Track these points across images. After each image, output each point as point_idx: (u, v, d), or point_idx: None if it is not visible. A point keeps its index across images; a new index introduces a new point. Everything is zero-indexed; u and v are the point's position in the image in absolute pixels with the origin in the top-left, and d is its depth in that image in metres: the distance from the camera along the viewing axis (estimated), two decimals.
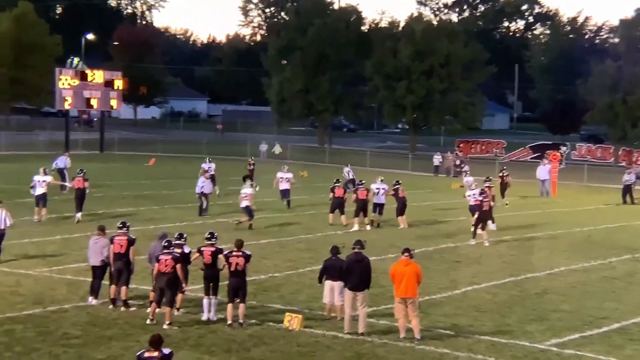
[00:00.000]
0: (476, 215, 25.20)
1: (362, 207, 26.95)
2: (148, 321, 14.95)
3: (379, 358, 13.69)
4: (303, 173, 42.37)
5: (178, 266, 14.95)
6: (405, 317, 14.68)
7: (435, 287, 18.71)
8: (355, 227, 26.51)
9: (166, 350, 10.84)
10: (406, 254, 14.96)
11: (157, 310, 15.15)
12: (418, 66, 64.67)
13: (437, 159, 51.22)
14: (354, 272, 15.05)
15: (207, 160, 36.79)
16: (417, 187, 39.61)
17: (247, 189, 26.82)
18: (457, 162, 49.66)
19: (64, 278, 18.46)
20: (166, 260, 14.96)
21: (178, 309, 15.69)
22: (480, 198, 25.37)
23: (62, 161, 35.87)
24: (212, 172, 33.77)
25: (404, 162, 52.79)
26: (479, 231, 25.10)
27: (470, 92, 68.46)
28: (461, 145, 63.44)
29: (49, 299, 16.55)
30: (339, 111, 74.20)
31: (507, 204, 34.18)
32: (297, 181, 33.62)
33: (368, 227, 26.91)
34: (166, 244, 15.36)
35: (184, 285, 15.37)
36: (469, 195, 27.30)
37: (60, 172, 35.10)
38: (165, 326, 14.69)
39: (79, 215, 26.64)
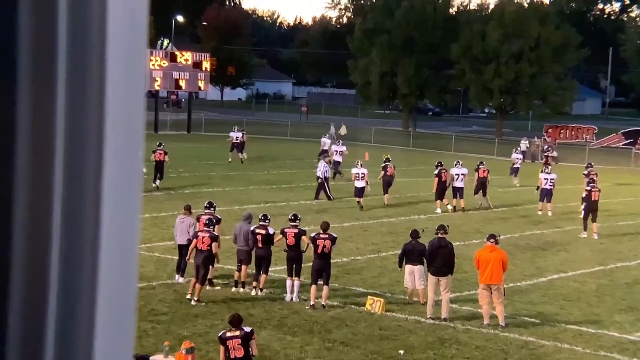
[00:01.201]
0: (584, 206, 24.17)
1: (387, 184, 27.97)
2: (191, 299, 15.15)
3: (462, 344, 13.56)
4: (386, 156, 42.20)
5: (214, 244, 15.14)
6: (490, 304, 14.49)
7: (520, 274, 18.40)
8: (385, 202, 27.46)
9: (247, 328, 11.03)
10: (492, 240, 14.78)
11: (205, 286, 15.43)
12: (507, 49, 63.43)
13: (524, 144, 50.21)
14: (437, 257, 14.95)
15: (235, 129, 40.36)
16: (503, 172, 38.93)
17: (362, 168, 27.12)
18: (545, 148, 48.58)
19: (153, 255, 18.90)
20: (203, 237, 15.16)
21: (262, 290, 15.90)
22: (589, 188, 24.30)
23: None
24: (239, 141, 38.79)
25: (490, 147, 51.94)
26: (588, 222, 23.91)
27: (560, 76, 66.81)
28: (549, 130, 61.99)
29: (138, 276, 16.96)
30: (425, 95, 73.50)
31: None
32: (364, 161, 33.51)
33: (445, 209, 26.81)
34: (207, 222, 15.56)
35: (217, 262, 15.67)
36: (545, 179, 26.91)
37: None
38: (193, 302, 14.91)
39: (157, 182, 28.49)
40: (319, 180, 28.54)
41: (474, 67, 64.95)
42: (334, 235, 15.44)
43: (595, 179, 25.44)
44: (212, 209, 16.79)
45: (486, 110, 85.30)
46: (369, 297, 15.46)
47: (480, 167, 28.18)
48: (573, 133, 63.26)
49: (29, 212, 0.94)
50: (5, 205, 0.93)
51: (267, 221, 16.02)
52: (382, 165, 28.86)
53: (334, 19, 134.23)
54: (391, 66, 68.72)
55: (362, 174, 27.09)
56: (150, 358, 11.25)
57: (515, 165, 36.59)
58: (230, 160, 38.61)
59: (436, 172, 27.61)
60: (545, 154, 46.91)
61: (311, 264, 15.46)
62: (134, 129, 1.00)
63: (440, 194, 27.12)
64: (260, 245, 15.77)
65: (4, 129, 0.93)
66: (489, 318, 14.48)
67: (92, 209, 0.96)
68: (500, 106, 67.63)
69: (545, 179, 27.15)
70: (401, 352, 12.98)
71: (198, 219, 16.50)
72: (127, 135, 0.99)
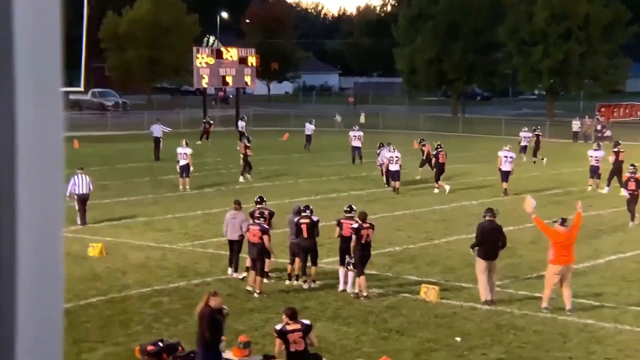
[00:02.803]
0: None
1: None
2: (253, 292, 15.26)
3: (519, 329, 13.42)
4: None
5: (265, 237, 15.16)
6: (553, 290, 14.22)
7: (577, 256, 17.99)
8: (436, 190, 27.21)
9: (306, 321, 11.09)
10: (564, 223, 14.55)
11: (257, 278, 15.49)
12: (555, 29, 62.38)
13: (576, 125, 49.43)
14: (489, 240, 14.81)
15: (244, 118, 46.12)
16: (554, 154, 38.43)
17: (396, 152, 27.56)
18: (598, 128, 47.77)
19: (206, 252, 19.08)
20: (254, 230, 15.21)
21: (314, 281, 15.93)
22: (628, 174, 22.90)
23: (157, 130, 37.63)
24: (242, 130, 43.19)
25: (541, 129, 51.19)
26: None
27: (611, 54, 65.45)
28: (602, 109, 60.86)
29: (193, 272, 17.16)
30: (472, 79, 72.78)
31: (542, 159, 35.40)
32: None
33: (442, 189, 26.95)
34: (258, 214, 15.61)
35: (272, 255, 15.61)
36: (590, 156, 27.82)
37: (156, 141, 36.94)
38: (255, 295, 14.98)
39: (248, 175, 30.60)
40: (382, 168, 28.64)
41: (522, 49, 64.05)
42: (373, 223, 15.55)
43: (635, 166, 23.55)
44: (263, 203, 16.84)
45: (536, 92, 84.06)
46: (423, 285, 15.39)
47: (439, 150, 27.97)
48: (627, 111, 62.07)
49: None
50: None
51: (308, 211, 15.95)
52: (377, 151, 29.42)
53: (377, 8, 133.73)
54: (437, 52, 68.17)
55: (396, 157, 27.20)
56: None
57: (523, 144, 37.14)
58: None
59: (434, 152, 28.13)
60: (599, 134, 46.18)
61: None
62: (51, 133, 0.97)
63: (438, 175, 27.47)
64: (305, 234, 15.74)
65: None
66: (548, 302, 14.29)
67: (7, 212, 0.93)
68: (550, 87, 66.60)
69: (591, 156, 28.01)
70: (458, 339, 12.89)
71: (252, 215, 16.51)
72: (43, 139, 0.95)
